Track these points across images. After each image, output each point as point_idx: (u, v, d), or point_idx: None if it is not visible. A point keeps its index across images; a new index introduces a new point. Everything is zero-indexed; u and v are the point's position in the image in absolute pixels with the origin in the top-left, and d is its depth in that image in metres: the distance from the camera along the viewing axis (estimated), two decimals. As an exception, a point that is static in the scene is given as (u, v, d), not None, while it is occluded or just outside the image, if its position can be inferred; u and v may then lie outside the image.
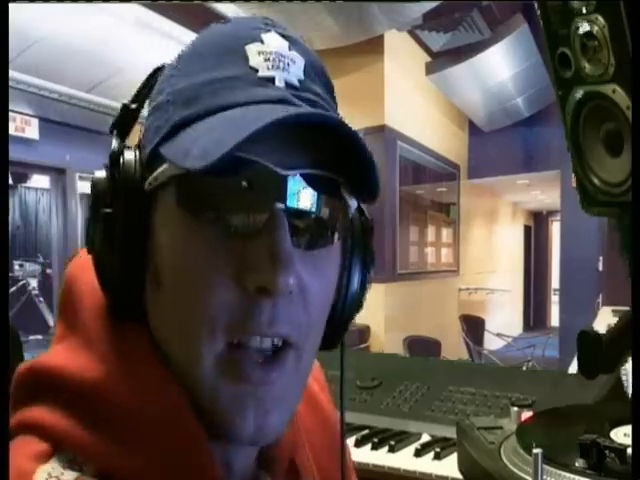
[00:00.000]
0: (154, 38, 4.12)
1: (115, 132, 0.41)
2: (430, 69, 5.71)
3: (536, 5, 0.79)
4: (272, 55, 0.39)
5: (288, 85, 0.38)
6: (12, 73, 4.22)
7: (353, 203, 0.41)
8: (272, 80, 0.38)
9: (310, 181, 0.37)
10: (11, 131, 4.72)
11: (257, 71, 0.38)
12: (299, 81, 0.39)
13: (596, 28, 0.71)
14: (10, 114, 4.66)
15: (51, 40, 4.08)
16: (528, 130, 6.99)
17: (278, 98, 0.37)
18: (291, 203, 0.37)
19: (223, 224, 0.36)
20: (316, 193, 0.38)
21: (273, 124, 0.33)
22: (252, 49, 0.38)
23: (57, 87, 4.84)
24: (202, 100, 0.37)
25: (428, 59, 5.78)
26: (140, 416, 0.37)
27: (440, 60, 5.57)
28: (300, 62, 0.40)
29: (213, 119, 0.36)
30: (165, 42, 4.14)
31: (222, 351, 0.37)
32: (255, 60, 0.38)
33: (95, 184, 0.39)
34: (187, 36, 4.29)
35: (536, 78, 5.51)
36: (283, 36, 0.40)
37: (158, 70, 0.42)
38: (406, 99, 5.64)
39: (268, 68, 0.38)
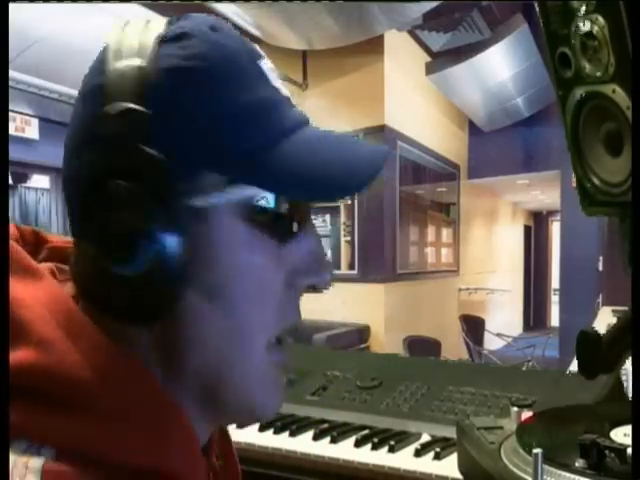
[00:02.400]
0: (154, 38, 4.11)
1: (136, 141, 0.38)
2: (430, 69, 5.70)
3: (536, 5, 0.79)
4: (275, 70, 0.44)
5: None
6: (12, 73, 4.22)
7: None
8: (289, 99, 0.44)
9: None
10: (11, 131, 4.71)
11: (280, 91, 0.43)
12: None
13: (596, 28, 0.71)
14: (10, 114, 4.66)
15: (51, 40, 4.08)
16: (528, 130, 6.99)
17: (305, 119, 0.45)
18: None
19: (277, 236, 0.41)
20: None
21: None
22: (265, 67, 0.43)
23: (57, 87, 4.84)
24: (263, 123, 0.40)
25: (428, 59, 5.78)
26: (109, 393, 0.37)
27: (440, 60, 5.57)
28: None
29: (296, 145, 0.41)
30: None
31: (271, 344, 0.42)
32: (273, 79, 0.43)
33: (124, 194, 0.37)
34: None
35: (536, 78, 5.51)
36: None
37: (143, 70, 0.39)
38: (406, 99, 5.64)
39: (282, 86, 0.43)
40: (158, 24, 0.42)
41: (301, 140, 0.41)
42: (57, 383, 0.36)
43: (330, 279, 0.43)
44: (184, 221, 0.37)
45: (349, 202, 5.34)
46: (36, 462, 0.34)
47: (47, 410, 0.36)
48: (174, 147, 0.38)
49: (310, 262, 0.42)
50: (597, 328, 0.80)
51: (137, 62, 0.39)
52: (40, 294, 0.39)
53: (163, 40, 0.40)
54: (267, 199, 0.40)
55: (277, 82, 0.43)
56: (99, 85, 0.40)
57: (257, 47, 0.44)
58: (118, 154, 0.37)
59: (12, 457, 0.34)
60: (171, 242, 0.37)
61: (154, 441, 0.38)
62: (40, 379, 0.35)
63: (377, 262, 5.21)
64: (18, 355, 0.36)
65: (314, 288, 0.43)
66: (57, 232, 6.07)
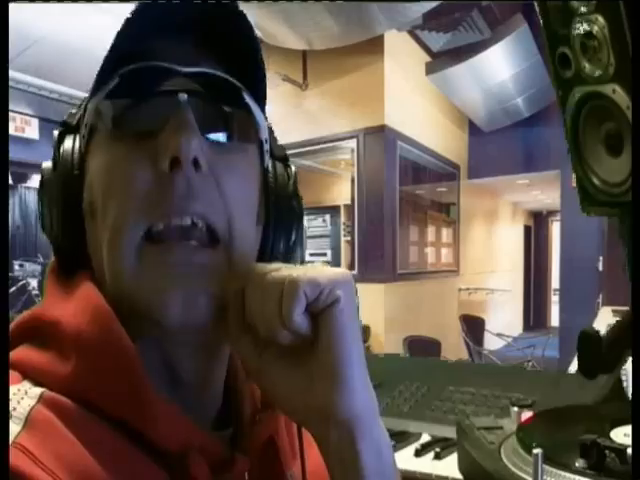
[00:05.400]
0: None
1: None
2: (430, 69, 5.70)
3: (536, 5, 0.79)
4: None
5: None
6: (12, 73, 4.22)
7: (259, 115, 0.45)
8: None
9: (213, 80, 0.42)
10: (11, 131, 4.71)
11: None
12: None
13: (596, 28, 0.71)
14: (10, 114, 4.66)
15: (51, 40, 4.08)
16: (528, 130, 6.99)
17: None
18: (194, 97, 0.41)
19: (137, 130, 0.40)
20: (217, 91, 0.42)
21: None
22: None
23: (57, 87, 4.84)
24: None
25: (428, 59, 5.78)
26: (78, 335, 0.40)
27: (440, 60, 5.57)
28: None
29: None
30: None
31: (143, 237, 0.40)
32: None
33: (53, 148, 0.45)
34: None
35: (536, 78, 5.51)
36: None
37: None
38: (406, 99, 5.64)
39: None
40: None
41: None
42: (52, 328, 0.41)
43: (184, 143, 0.39)
44: (71, 156, 0.44)
45: (349, 202, 5.35)
46: (35, 390, 0.39)
47: (46, 350, 0.41)
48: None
49: (169, 138, 0.39)
50: (597, 328, 0.80)
51: None
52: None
53: None
54: (112, 106, 0.41)
55: None
56: None
57: None
58: None
59: (23, 384, 0.39)
60: (61, 178, 0.44)
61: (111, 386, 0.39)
62: (37, 325, 0.42)
63: (377, 262, 5.21)
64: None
65: (176, 162, 0.39)
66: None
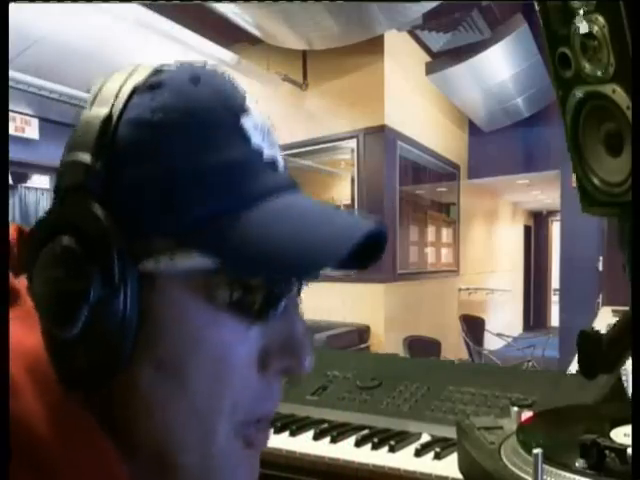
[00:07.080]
0: (154, 38, 4.11)
1: (74, 193, 0.37)
2: (430, 69, 5.70)
3: (536, 5, 0.79)
4: (265, 130, 0.40)
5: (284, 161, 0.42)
6: (12, 73, 4.21)
7: None
8: (275, 161, 0.40)
9: None
10: (11, 131, 4.71)
11: (262, 153, 0.39)
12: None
13: (596, 28, 0.71)
14: (10, 114, 4.66)
15: (51, 40, 4.07)
16: (528, 130, 6.99)
17: (288, 184, 0.41)
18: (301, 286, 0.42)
19: (246, 312, 0.38)
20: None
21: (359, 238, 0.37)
22: (248, 124, 0.39)
23: (57, 87, 4.83)
24: (223, 188, 0.37)
25: (428, 59, 5.78)
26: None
27: (440, 60, 5.57)
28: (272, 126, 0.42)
29: (258, 216, 0.37)
30: (165, 42, 4.14)
31: (236, 425, 0.39)
32: (256, 138, 0.39)
33: (66, 253, 0.35)
34: (187, 36, 4.29)
35: (536, 78, 5.51)
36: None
37: (108, 121, 0.37)
38: (406, 99, 5.64)
39: (269, 148, 0.40)
40: (144, 71, 0.39)
41: (267, 211, 0.37)
42: (22, 436, 0.34)
43: (309, 365, 0.39)
44: (128, 286, 0.35)
45: (349, 202, 5.35)
46: None
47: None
48: (121, 204, 0.36)
49: (285, 345, 0.39)
50: (597, 328, 0.80)
51: (104, 111, 0.37)
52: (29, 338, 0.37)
53: (137, 89, 0.38)
54: (227, 271, 0.36)
55: (263, 141, 0.40)
56: (72, 132, 0.39)
57: (246, 101, 0.40)
58: (65, 208, 0.37)
59: None
60: (111, 307, 0.34)
61: None
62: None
63: (377, 262, 5.20)
64: None
65: (291, 372, 0.40)
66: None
